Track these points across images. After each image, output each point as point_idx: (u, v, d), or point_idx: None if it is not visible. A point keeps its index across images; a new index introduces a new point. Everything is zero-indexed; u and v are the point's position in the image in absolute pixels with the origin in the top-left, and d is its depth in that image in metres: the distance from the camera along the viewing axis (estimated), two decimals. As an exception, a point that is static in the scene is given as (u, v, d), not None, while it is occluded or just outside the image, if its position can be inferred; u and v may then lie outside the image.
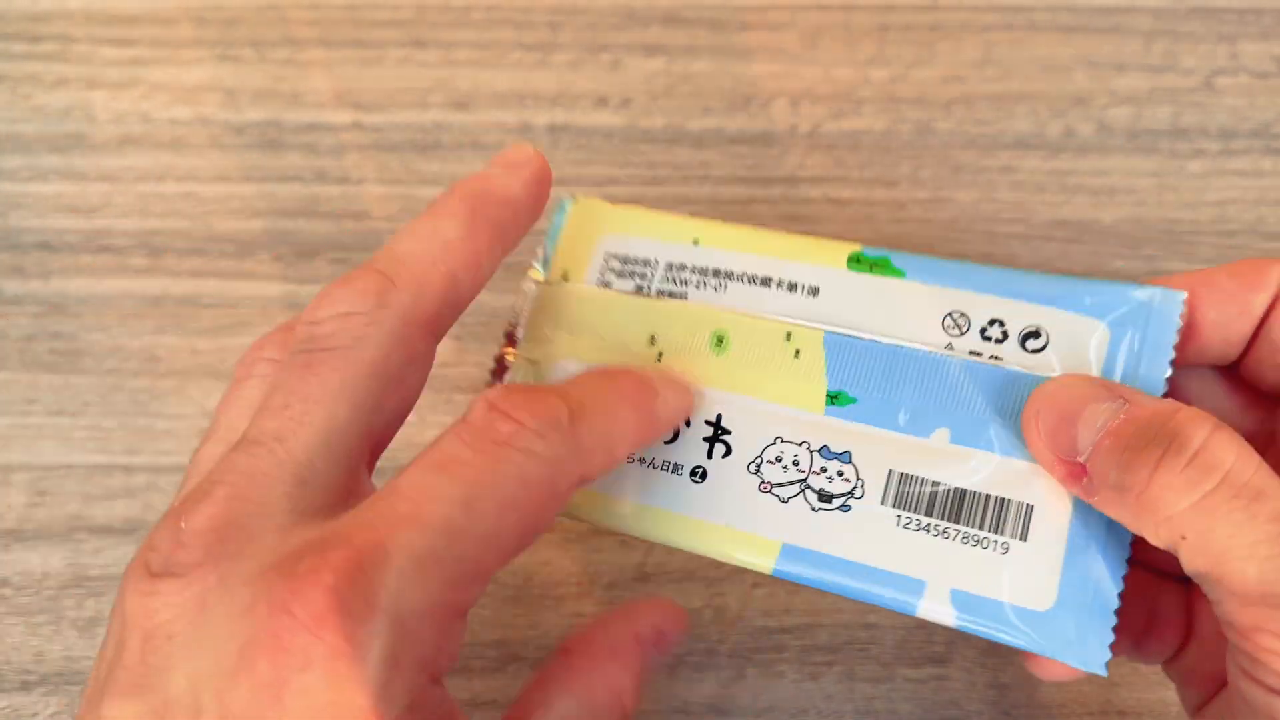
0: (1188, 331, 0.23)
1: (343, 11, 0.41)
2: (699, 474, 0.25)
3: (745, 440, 0.25)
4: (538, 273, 0.28)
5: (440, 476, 0.20)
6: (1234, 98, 0.39)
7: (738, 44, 0.41)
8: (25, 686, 0.33)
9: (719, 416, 0.25)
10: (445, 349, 0.37)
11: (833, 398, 0.25)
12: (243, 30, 0.41)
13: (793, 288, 0.26)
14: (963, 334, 0.24)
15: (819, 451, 0.24)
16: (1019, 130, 0.39)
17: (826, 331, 0.25)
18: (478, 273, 0.24)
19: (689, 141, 0.39)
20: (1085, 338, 0.23)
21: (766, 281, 0.26)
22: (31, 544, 0.34)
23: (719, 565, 0.33)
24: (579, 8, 0.41)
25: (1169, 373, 0.23)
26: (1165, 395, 0.23)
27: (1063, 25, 0.41)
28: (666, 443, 0.25)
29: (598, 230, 0.28)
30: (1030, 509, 0.23)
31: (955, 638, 0.33)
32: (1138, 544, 0.24)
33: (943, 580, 0.23)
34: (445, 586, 0.19)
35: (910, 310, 0.25)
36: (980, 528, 0.23)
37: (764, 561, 0.24)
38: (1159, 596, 0.26)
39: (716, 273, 0.27)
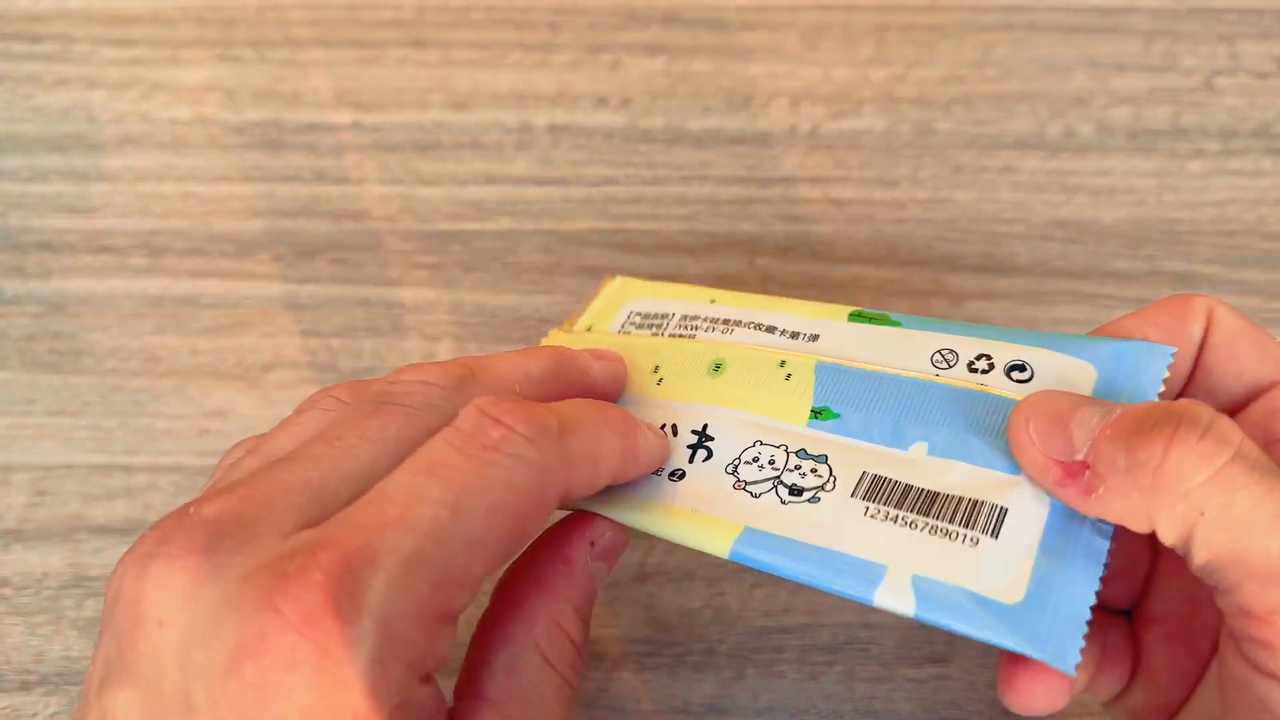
0: None
1: (343, 11, 0.41)
2: (677, 475, 0.25)
3: (727, 446, 0.25)
4: (566, 326, 0.30)
5: (429, 479, 0.20)
6: (1234, 98, 0.39)
7: (738, 44, 0.41)
8: (25, 686, 0.33)
9: (705, 426, 0.26)
10: (447, 350, 0.37)
11: (816, 413, 0.25)
12: (243, 30, 0.41)
13: (795, 335, 0.27)
14: (950, 367, 0.25)
15: (796, 453, 0.25)
16: (1019, 130, 0.39)
17: (819, 361, 0.26)
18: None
19: (689, 141, 0.39)
20: (1072, 376, 0.24)
21: (771, 329, 0.27)
22: (31, 544, 0.34)
23: (719, 565, 0.34)
24: (579, 8, 0.41)
25: None
26: None
27: (1063, 25, 0.41)
28: None
29: (627, 298, 0.30)
30: (1004, 511, 0.22)
31: (955, 638, 0.33)
32: None
33: (905, 567, 0.22)
34: (432, 590, 0.19)
35: (902, 349, 0.25)
36: (950, 522, 0.22)
37: (722, 544, 0.23)
38: (1106, 631, 0.26)
39: (725, 321, 0.28)
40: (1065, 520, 0.22)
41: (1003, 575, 0.22)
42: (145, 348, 0.37)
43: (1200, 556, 0.20)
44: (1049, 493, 0.22)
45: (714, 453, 0.25)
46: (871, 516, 0.23)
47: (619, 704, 0.32)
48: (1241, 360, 0.24)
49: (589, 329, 0.30)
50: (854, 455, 0.24)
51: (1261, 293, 0.37)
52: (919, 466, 0.23)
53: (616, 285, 0.31)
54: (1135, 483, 0.20)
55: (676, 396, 0.27)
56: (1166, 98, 0.39)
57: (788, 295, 0.36)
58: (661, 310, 0.29)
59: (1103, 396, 0.23)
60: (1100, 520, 0.22)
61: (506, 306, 0.37)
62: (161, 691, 0.19)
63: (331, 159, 0.39)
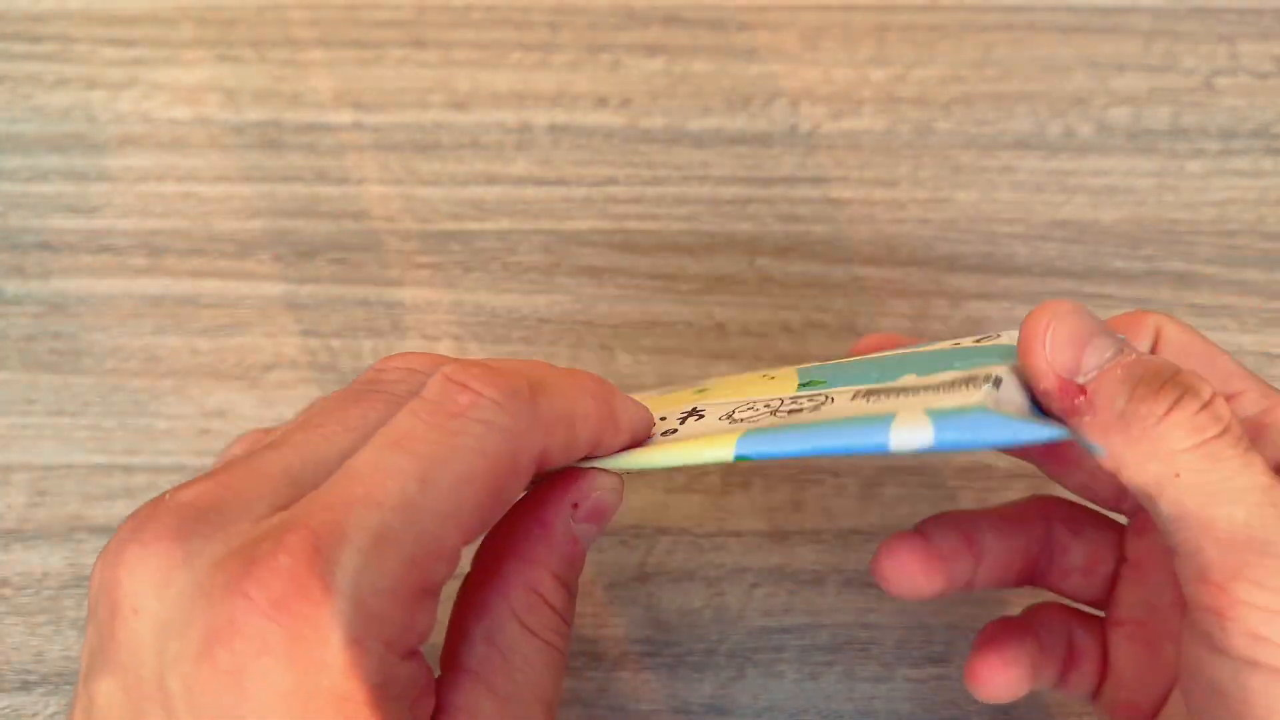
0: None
1: (343, 11, 0.41)
2: (669, 433, 0.25)
3: (719, 410, 0.25)
4: None
5: (396, 454, 0.20)
6: (1234, 98, 0.39)
7: (738, 44, 0.41)
8: (25, 686, 0.33)
9: (694, 407, 0.26)
10: (447, 350, 0.37)
11: (804, 385, 0.26)
12: (243, 30, 0.41)
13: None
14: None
15: (791, 399, 0.25)
16: (1019, 130, 0.39)
17: (800, 368, 0.27)
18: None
19: (689, 141, 0.39)
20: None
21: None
22: (31, 544, 0.34)
23: (719, 565, 0.34)
24: (579, 8, 0.41)
25: None
26: None
27: (1063, 25, 0.41)
28: None
29: None
30: (999, 378, 0.22)
31: (955, 638, 0.33)
32: (1052, 575, 0.27)
33: (914, 408, 0.21)
34: (406, 564, 0.19)
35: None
36: (950, 386, 0.22)
37: (725, 449, 0.22)
38: (1073, 629, 0.27)
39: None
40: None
41: (1007, 404, 0.21)
42: (145, 348, 0.37)
43: (1166, 511, 0.21)
44: (1036, 395, 0.22)
45: (706, 414, 0.25)
46: (871, 400, 0.23)
47: (619, 704, 0.32)
48: None
49: None
50: (849, 388, 0.24)
51: (1261, 293, 0.37)
52: (912, 382, 0.23)
53: None
54: (1124, 428, 0.21)
55: (661, 409, 0.27)
56: (1166, 98, 0.39)
57: (787, 295, 0.36)
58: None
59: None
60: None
61: (506, 306, 0.37)
62: (140, 679, 0.19)
63: (332, 159, 0.39)
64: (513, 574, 0.23)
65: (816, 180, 0.39)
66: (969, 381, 0.22)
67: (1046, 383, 0.22)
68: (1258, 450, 0.21)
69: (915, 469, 0.35)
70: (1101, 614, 0.28)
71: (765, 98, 0.40)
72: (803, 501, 0.34)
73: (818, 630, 0.33)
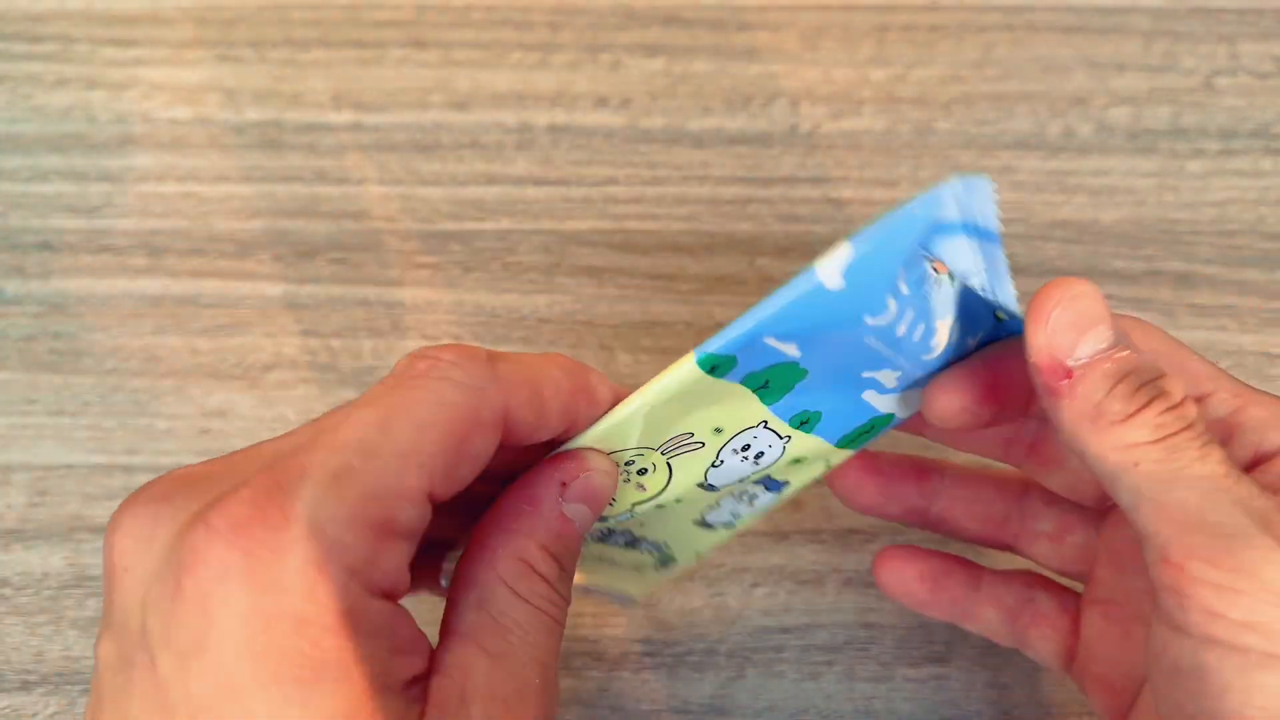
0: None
1: (343, 12, 0.41)
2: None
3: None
4: None
5: (358, 409, 0.21)
6: (1234, 98, 0.39)
7: (738, 44, 0.41)
8: (25, 686, 0.33)
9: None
10: (445, 349, 0.37)
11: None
12: (243, 30, 0.41)
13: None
14: None
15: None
16: (1019, 130, 0.39)
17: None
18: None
19: (689, 141, 0.39)
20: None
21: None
22: (31, 544, 0.34)
23: (719, 564, 0.34)
24: (579, 8, 0.41)
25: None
26: None
27: (1063, 25, 0.41)
28: None
29: None
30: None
31: (955, 638, 0.33)
32: (1023, 539, 0.29)
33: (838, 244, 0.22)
34: (364, 497, 0.20)
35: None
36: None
37: (686, 366, 0.23)
38: (1038, 594, 0.28)
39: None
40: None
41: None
42: (145, 348, 0.37)
43: (1125, 497, 0.22)
44: (1029, 359, 0.23)
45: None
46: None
47: (619, 704, 0.32)
48: None
49: None
50: None
51: (1261, 293, 0.37)
52: None
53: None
54: (1094, 418, 0.22)
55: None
56: (1166, 98, 0.39)
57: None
58: None
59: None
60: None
61: (506, 306, 0.37)
62: (128, 631, 0.20)
63: (332, 159, 0.39)
64: (500, 546, 0.23)
65: (816, 180, 0.39)
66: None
67: (1039, 359, 0.23)
68: (1229, 449, 0.22)
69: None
70: (1076, 588, 0.29)
71: (765, 98, 0.40)
72: (803, 501, 0.34)
73: (817, 630, 0.33)
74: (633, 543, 0.29)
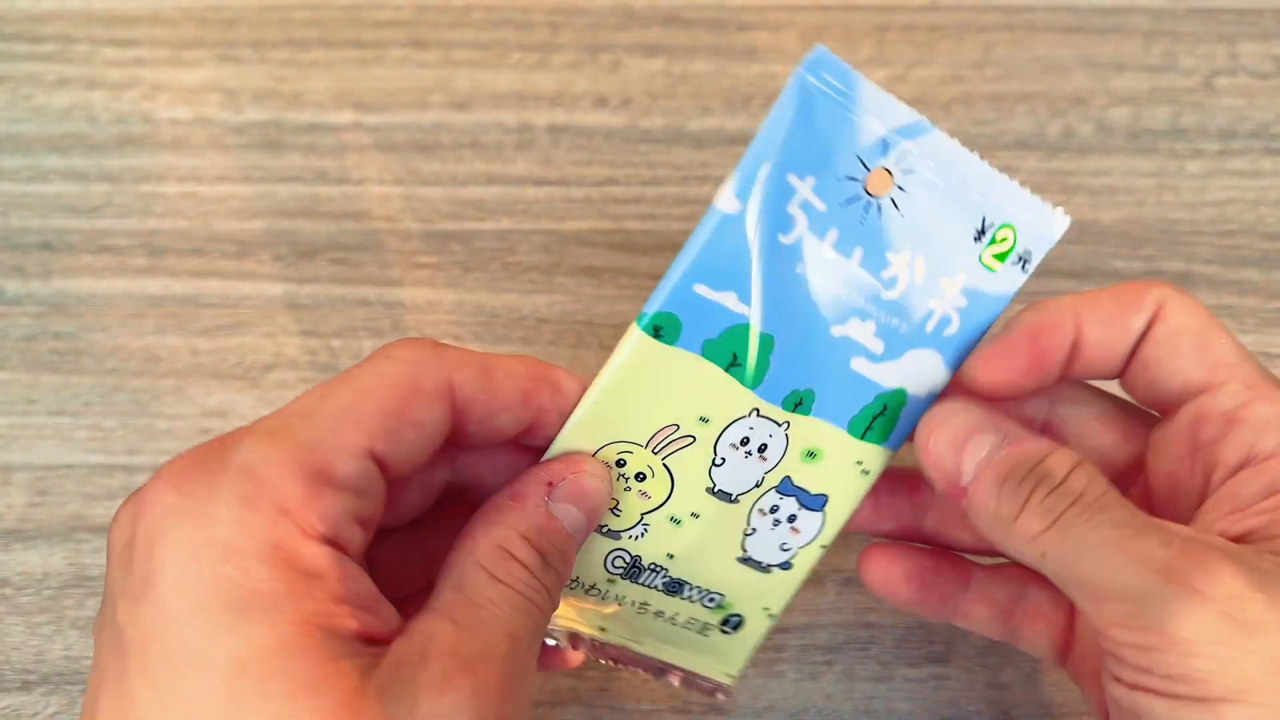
0: (1073, 349, 0.26)
1: (343, 12, 0.41)
2: None
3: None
4: None
5: (311, 389, 0.23)
6: (1233, 98, 0.39)
7: (738, 44, 0.41)
8: (26, 686, 0.33)
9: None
10: (445, 349, 0.37)
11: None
12: (243, 31, 0.41)
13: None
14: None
15: None
16: (1019, 130, 0.39)
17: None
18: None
19: (689, 141, 0.39)
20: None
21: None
22: (32, 544, 0.34)
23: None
24: (579, 8, 0.41)
25: None
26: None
27: (1063, 25, 0.41)
28: None
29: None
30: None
31: (955, 637, 0.33)
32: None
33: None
34: (299, 447, 0.21)
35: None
36: None
37: (631, 333, 0.24)
38: (1032, 590, 0.29)
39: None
40: None
41: None
42: (146, 348, 0.37)
43: (1054, 581, 0.23)
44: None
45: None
46: None
47: (619, 704, 0.32)
48: (1180, 359, 0.25)
49: None
50: None
51: (1261, 293, 0.37)
52: None
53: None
54: (993, 524, 0.24)
55: None
56: (1166, 98, 0.39)
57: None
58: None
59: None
60: None
61: (506, 306, 0.37)
62: (105, 597, 0.22)
63: (332, 159, 0.39)
64: (481, 535, 0.24)
65: (816, 180, 0.39)
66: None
67: (938, 488, 0.25)
68: (1223, 445, 0.24)
69: (915, 469, 0.35)
70: None
71: (765, 98, 0.40)
72: (802, 501, 0.34)
73: (817, 630, 0.33)
74: (675, 587, 0.28)
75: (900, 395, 0.26)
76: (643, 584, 0.27)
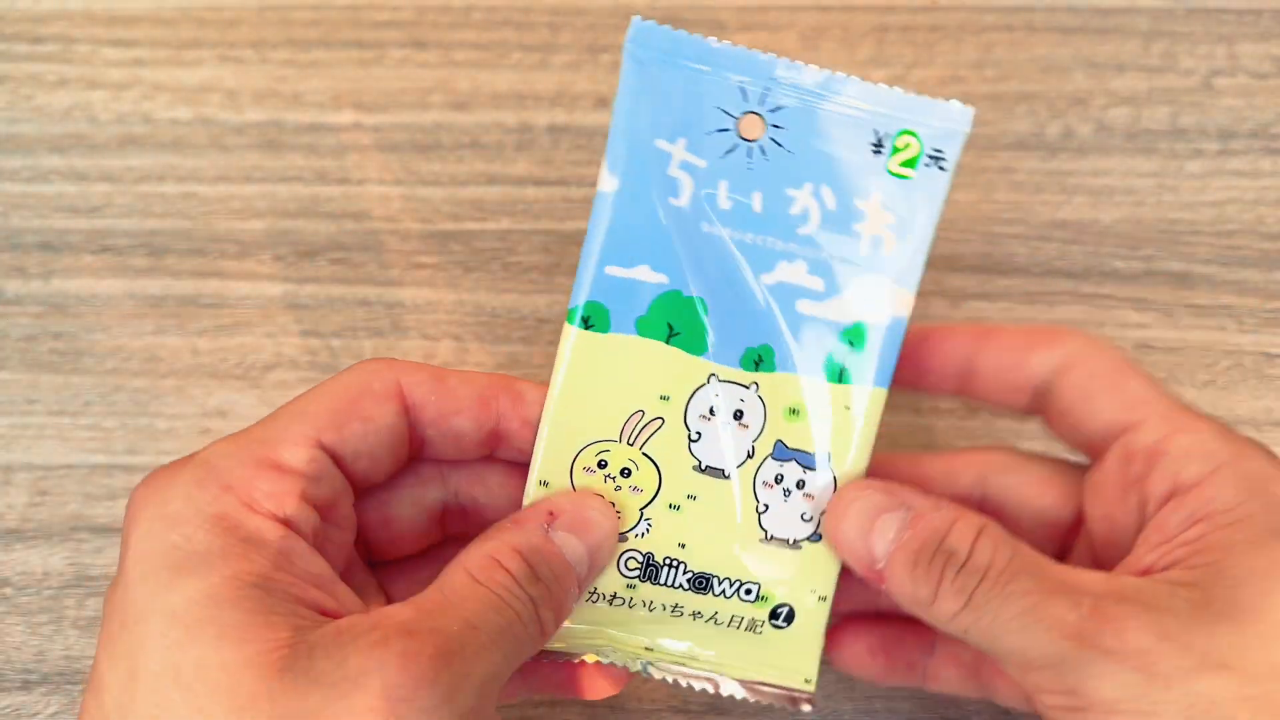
0: (967, 372, 0.27)
1: (343, 12, 0.41)
2: None
3: None
4: None
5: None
6: (1233, 98, 0.39)
7: (738, 44, 0.41)
8: (26, 686, 0.33)
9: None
10: (447, 350, 0.37)
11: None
12: (244, 31, 0.41)
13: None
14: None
15: None
16: (1018, 130, 0.39)
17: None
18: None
19: (689, 142, 0.39)
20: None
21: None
22: (32, 544, 0.34)
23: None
24: (579, 8, 0.41)
25: None
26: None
27: (1062, 25, 0.41)
28: None
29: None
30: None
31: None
32: None
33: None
34: (251, 441, 0.24)
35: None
36: None
37: (568, 326, 0.25)
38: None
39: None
40: None
41: None
42: (146, 348, 0.37)
43: (982, 651, 0.24)
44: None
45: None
46: None
47: (619, 704, 0.32)
48: (1096, 400, 0.26)
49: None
50: None
51: (1260, 293, 0.37)
52: None
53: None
54: (914, 605, 0.24)
55: None
56: (1165, 98, 0.39)
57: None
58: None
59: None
60: None
61: (506, 306, 0.37)
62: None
63: (332, 159, 0.39)
64: (474, 548, 0.24)
65: (816, 180, 0.39)
66: None
67: (856, 572, 0.26)
68: (1150, 482, 0.24)
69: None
70: None
71: (765, 98, 0.40)
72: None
73: (817, 630, 0.33)
74: (702, 582, 0.26)
75: (859, 329, 0.26)
76: (665, 584, 0.26)
